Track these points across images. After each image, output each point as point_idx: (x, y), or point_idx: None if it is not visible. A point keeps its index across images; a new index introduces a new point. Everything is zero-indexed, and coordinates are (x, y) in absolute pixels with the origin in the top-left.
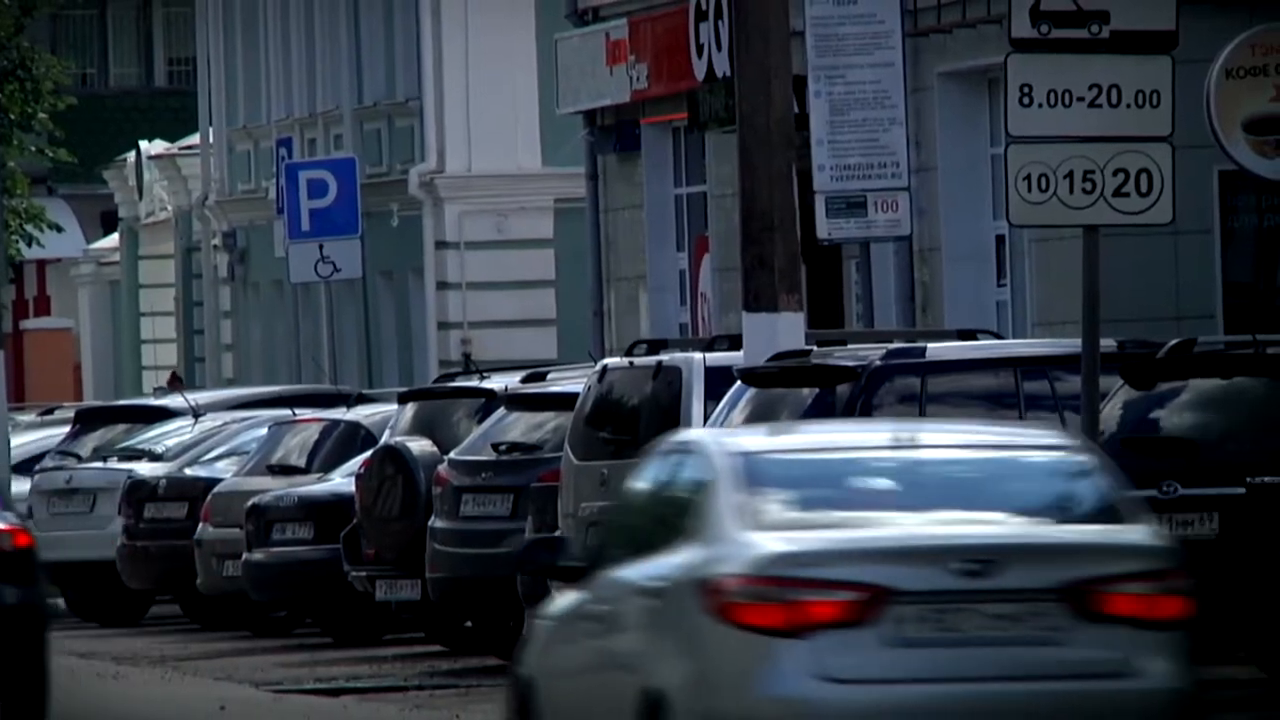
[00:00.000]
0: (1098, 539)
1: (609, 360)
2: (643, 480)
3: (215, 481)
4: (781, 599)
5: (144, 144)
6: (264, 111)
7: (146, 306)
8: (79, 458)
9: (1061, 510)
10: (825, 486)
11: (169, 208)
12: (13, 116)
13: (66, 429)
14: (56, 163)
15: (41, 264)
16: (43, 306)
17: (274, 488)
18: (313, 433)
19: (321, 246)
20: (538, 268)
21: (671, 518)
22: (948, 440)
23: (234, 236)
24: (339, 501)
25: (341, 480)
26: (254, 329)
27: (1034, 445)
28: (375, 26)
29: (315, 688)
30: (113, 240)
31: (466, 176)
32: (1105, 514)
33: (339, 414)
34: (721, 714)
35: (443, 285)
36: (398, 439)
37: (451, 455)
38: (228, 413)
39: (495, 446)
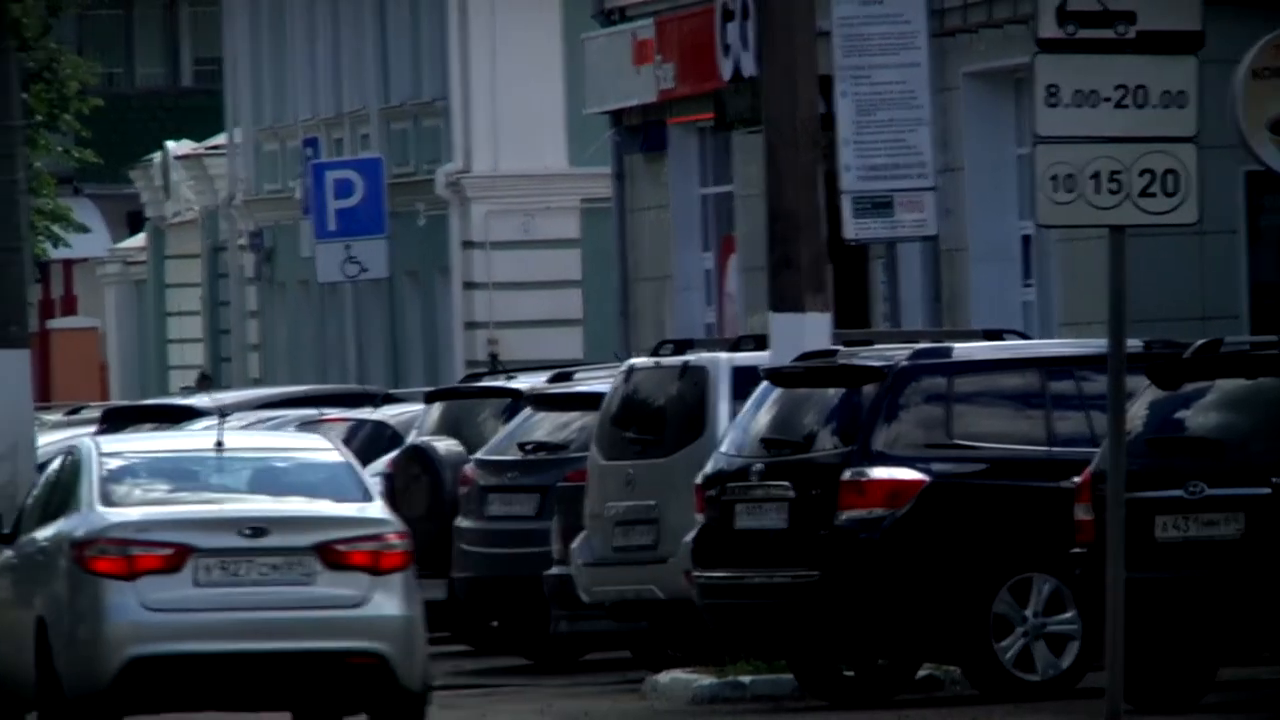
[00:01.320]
0: (338, 513)
1: (635, 360)
2: (50, 469)
3: None
4: (120, 553)
5: (170, 144)
6: (291, 111)
7: (172, 306)
8: None
9: (319, 493)
10: (160, 477)
11: (195, 207)
12: (39, 117)
13: (93, 428)
14: (83, 163)
15: (68, 264)
16: (69, 306)
17: None
18: (339, 432)
19: (348, 246)
20: (564, 268)
21: (59, 497)
22: (250, 444)
23: (260, 236)
24: None
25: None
26: (280, 329)
27: (308, 448)
28: (402, 26)
29: None
30: (139, 240)
31: (493, 176)
32: (350, 496)
33: (365, 414)
34: (81, 634)
35: (469, 285)
36: (424, 439)
37: (478, 455)
38: (254, 412)
39: (521, 446)
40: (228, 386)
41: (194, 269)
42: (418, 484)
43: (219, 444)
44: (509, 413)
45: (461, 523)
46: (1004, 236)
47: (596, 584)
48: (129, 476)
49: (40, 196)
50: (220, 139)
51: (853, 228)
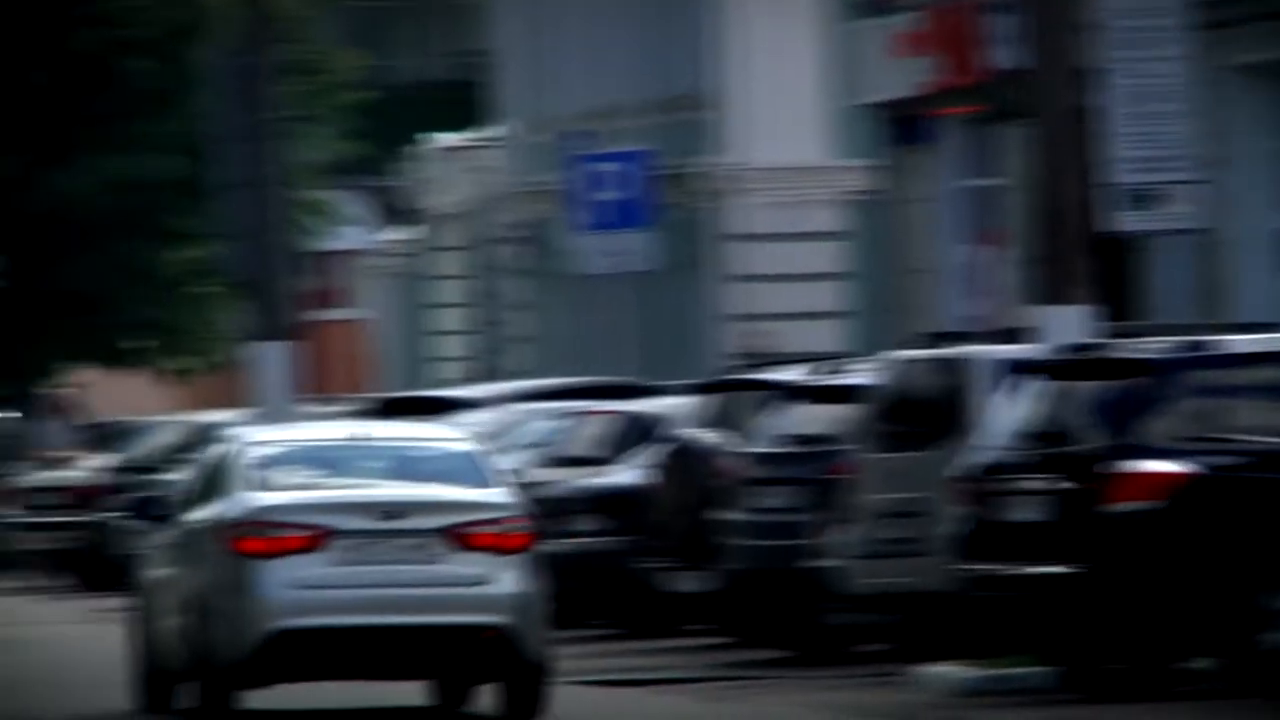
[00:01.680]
0: (465, 498)
1: (900, 353)
2: (204, 457)
3: None
4: (266, 535)
5: (435, 136)
6: (556, 104)
7: (437, 298)
8: None
9: (449, 480)
10: (304, 464)
11: (460, 200)
12: (306, 111)
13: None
14: (347, 156)
15: (335, 256)
16: (340, 298)
17: (565, 479)
18: (604, 424)
19: (612, 239)
20: (826, 260)
21: (213, 483)
22: (386, 434)
23: (526, 228)
24: (629, 493)
25: (631, 472)
26: (546, 320)
27: (439, 438)
28: (666, 19)
29: (607, 679)
30: (404, 232)
31: (755, 169)
32: (477, 482)
33: (630, 406)
34: (230, 608)
35: (731, 278)
36: (690, 431)
37: (743, 447)
38: (520, 404)
39: (786, 439)
40: (496, 378)
41: (459, 261)
42: (684, 477)
43: (357, 434)
44: (773, 405)
45: (727, 515)
46: (1272, 229)
47: (861, 576)
48: (275, 464)
49: (305, 189)
50: (487, 131)
51: (1119, 220)
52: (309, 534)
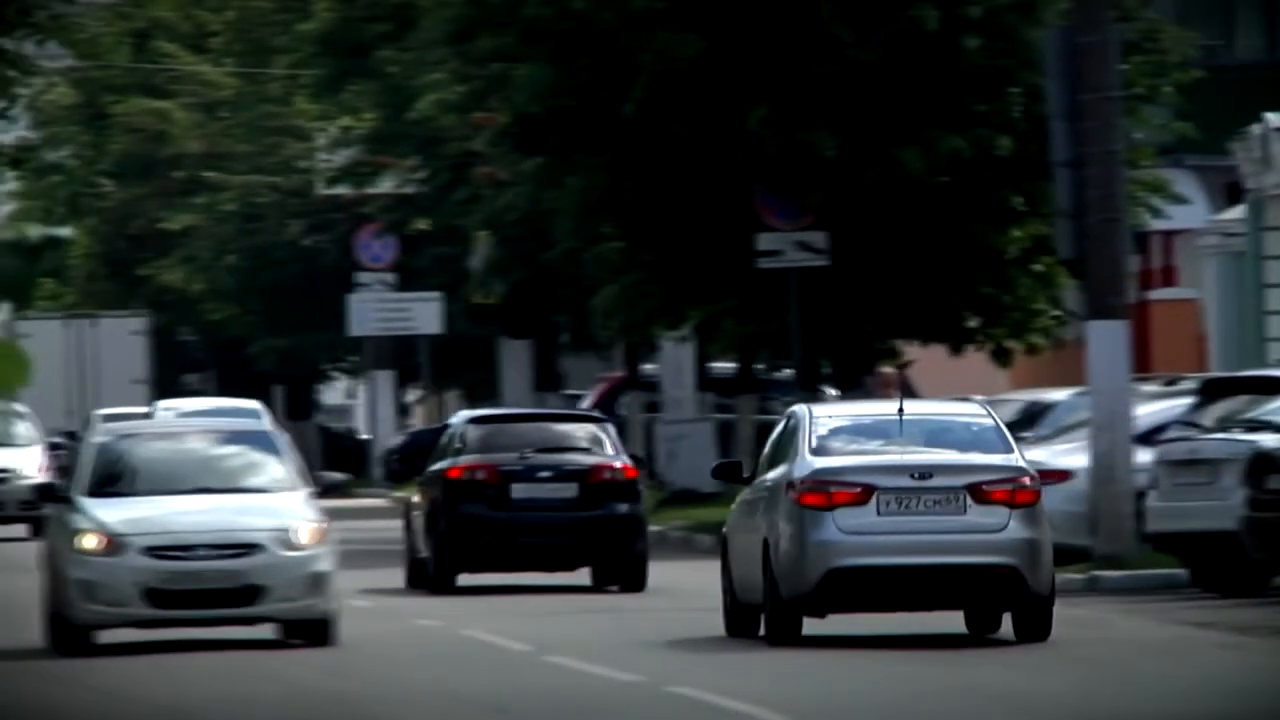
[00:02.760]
0: (984, 461)
1: None
2: (776, 430)
3: None
4: (822, 490)
5: (1270, 115)
6: None
7: (1270, 278)
8: (1202, 428)
9: (972, 448)
10: (856, 434)
11: None
12: (1138, 89)
13: (1189, 400)
14: (1182, 135)
15: (1167, 236)
16: (1168, 278)
17: None
18: None
19: None
20: None
21: (783, 450)
22: (923, 410)
23: None
24: None
25: None
26: None
27: (966, 414)
28: None
29: None
30: (1237, 212)
31: None
32: (996, 449)
33: None
34: (794, 551)
35: None
36: None
37: None
38: None
39: None
40: None
41: None
42: None
43: (900, 410)
44: None
45: None
46: None
47: None
48: (833, 434)
49: (1139, 168)
50: None
51: None
52: (857, 490)
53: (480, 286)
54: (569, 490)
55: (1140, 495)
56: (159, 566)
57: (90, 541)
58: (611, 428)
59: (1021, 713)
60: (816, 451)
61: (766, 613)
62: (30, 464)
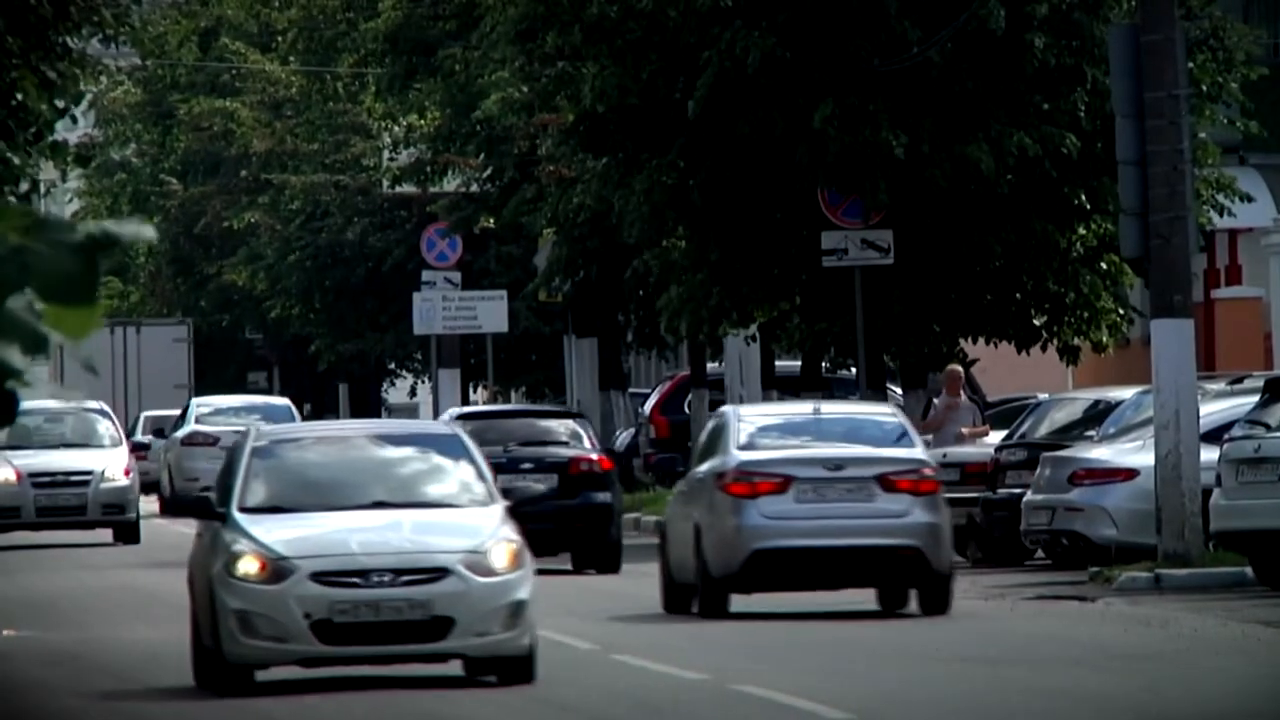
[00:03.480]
0: (890, 454)
1: None
2: (708, 427)
3: None
4: (747, 480)
5: None
6: None
7: None
8: (1268, 427)
9: (880, 442)
10: (776, 431)
11: None
12: (1204, 87)
13: (1254, 398)
14: (1247, 134)
15: (1233, 234)
16: (1234, 276)
17: None
18: None
19: None
20: None
21: (712, 445)
22: (838, 410)
23: None
24: None
25: None
26: None
27: (875, 413)
28: None
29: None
30: None
31: None
32: (900, 444)
33: None
34: (719, 530)
35: None
36: None
37: None
38: None
39: None
40: None
41: None
42: None
43: (816, 410)
44: None
45: None
46: None
47: None
48: (759, 432)
49: (1205, 166)
50: None
51: None
52: (777, 480)
53: (546, 285)
54: (550, 481)
55: (1205, 494)
56: (330, 595)
57: (249, 566)
58: (589, 423)
59: (1096, 713)
60: (743, 447)
61: (699, 590)
62: (115, 466)
